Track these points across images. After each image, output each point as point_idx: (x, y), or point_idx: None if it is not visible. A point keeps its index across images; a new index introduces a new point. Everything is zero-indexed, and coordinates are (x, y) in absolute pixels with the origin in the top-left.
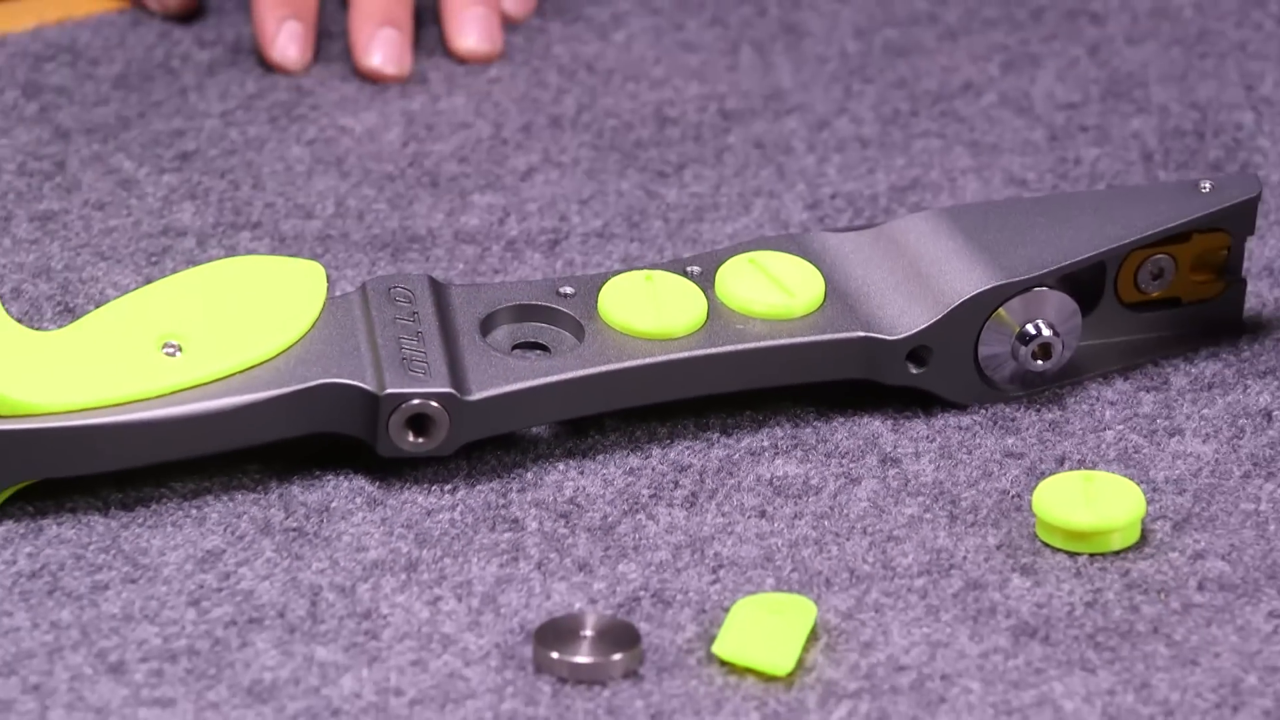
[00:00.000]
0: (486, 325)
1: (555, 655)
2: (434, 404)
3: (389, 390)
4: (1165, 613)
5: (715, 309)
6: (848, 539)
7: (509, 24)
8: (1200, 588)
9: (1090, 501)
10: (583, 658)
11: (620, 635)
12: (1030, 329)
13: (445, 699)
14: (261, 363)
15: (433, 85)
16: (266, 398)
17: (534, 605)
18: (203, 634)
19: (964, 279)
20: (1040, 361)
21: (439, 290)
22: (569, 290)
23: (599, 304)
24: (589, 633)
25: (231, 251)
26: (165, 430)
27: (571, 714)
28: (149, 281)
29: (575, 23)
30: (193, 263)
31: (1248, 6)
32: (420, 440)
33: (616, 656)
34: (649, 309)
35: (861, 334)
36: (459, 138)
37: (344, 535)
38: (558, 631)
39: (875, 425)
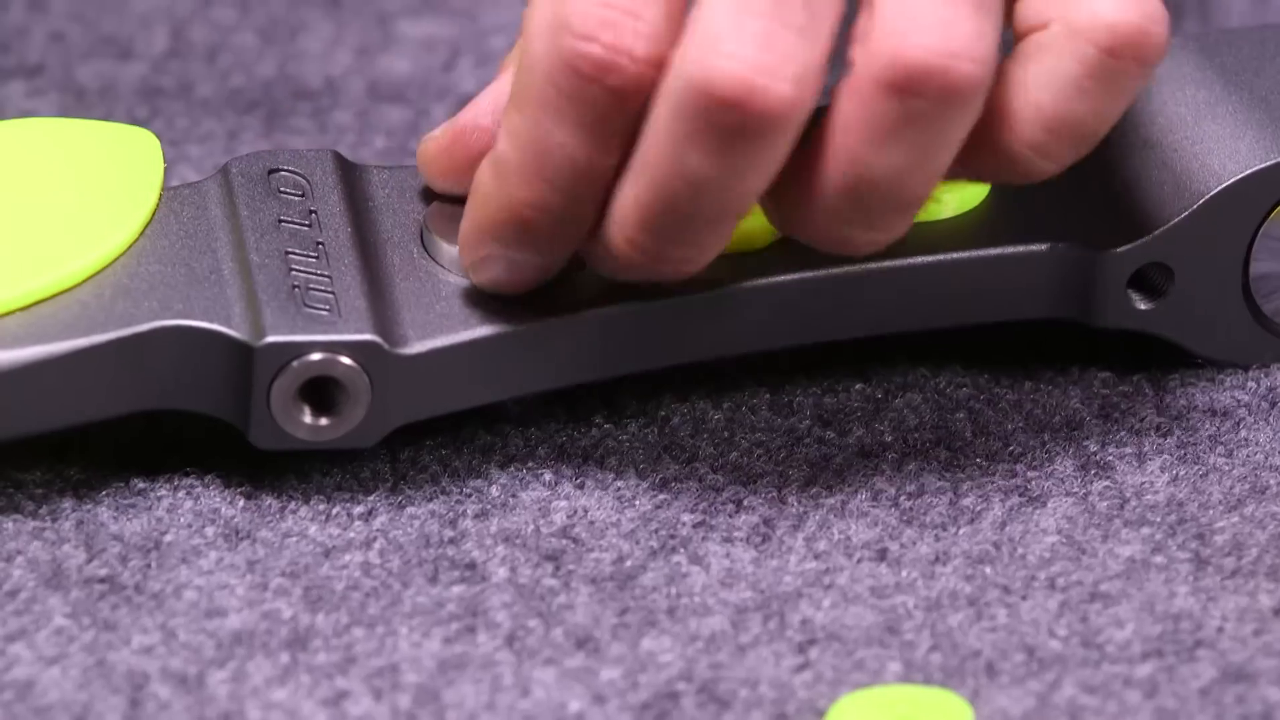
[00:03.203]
0: (429, 233)
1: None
2: (345, 360)
3: (269, 339)
4: None
5: None
6: (1024, 597)
7: None
8: None
9: None
10: None
11: None
12: None
13: None
14: (55, 295)
15: None
16: (62, 353)
17: (502, 707)
18: None
19: (1225, 154)
20: None
21: (350, 176)
22: None
23: None
24: None
25: None
26: None
27: None
28: None
29: None
30: None
31: None
32: (321, 422)
33: None
34: None
35: (1049, 245)
36: None
37: (186, 590)
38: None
39: (1070, 404)
